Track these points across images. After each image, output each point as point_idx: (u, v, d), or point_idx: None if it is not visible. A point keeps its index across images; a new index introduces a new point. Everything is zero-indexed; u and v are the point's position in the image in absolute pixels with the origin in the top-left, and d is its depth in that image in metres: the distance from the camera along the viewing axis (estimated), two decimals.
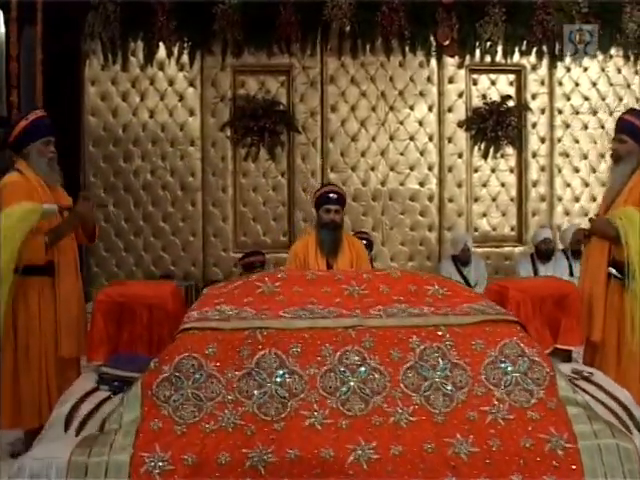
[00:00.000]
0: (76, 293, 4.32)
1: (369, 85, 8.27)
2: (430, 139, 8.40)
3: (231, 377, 3.20)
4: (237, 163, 8.24)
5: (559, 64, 8.45)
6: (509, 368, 3.28)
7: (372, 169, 8.34)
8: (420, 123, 8.37)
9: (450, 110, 8.41)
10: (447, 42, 8.16)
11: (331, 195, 5.21)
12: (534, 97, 8.51)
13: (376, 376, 3.23)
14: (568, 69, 8.50)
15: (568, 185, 8.67)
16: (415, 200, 8.42)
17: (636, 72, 8.62)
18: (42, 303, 4.15)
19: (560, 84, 8.54)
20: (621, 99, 8.65)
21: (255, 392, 3.16)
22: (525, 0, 8.11)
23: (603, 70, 8.58)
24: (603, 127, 8.64)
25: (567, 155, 8.64)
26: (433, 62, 8.32)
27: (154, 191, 8.17)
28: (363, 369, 3.25)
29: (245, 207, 8.31)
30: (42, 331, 4.13)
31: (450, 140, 8.44)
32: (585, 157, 8.67)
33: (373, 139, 8.31)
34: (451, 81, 8.39)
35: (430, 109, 8.39)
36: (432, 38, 8.17)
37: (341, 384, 3.20)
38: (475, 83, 8.49)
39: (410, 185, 8.41)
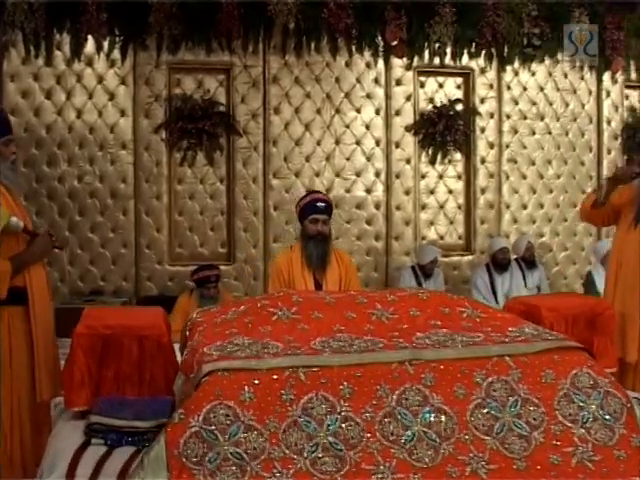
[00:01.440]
0: (51, 324, 3.61)
1: (314, 86, 7.76)
2: (377, 144, 7.97)
3: (274, 428, 2.63)
4: (172, 168, 7.56)
5: (508, 68, 8.18)
6: (584, 402, 2.88)
7: (317, 175, 7.83)
8: (367, 127, 7.93)
9: (398, 114, 8.01)
10: (395, 42, 7.74)
11: (319, 204, 4.69)
12: (482, 101, 8.22)
13: (442, 418, 2.75)
14: (516, 73, 8.26)
15: (516, 192, 8.41)
16: (361, 208, 7.97)
17: (582, 77, 8.46)
18: (13, 338, 3.43)
19: (508, 88, 8.28)
20: (568, 104, 8.47)
21: (306, 445, 2.62)
22: (475, 1, 7.80)
23: (550, 75, 8.38)
24: (550, 132, 8.44)
25: (515, 161, 8.38)
26: (380, 63, 7.89)
27: (81, 199, 7.40)
28: (426, 411, 2.76)
29: (181, 216, 7.65)
30: (14, 371, 3.40)
31: (398, 145, 8.03)
32: (532, 163, 8.43)
33: (318, 143, 7.81)
34: (399, 83, 7.99)
35: (377, 112, 7.96)
36: (380, 38, 7.74)
37: (403, 430, 2.70)
38: (423, 86, 8.12)
39: (356, 192, 7.95)
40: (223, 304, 3.94)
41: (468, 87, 8.20)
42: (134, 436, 3.00)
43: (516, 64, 8.19)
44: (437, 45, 7.85)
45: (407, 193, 8.09)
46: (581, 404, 2.88)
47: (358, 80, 7.87)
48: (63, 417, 3.32)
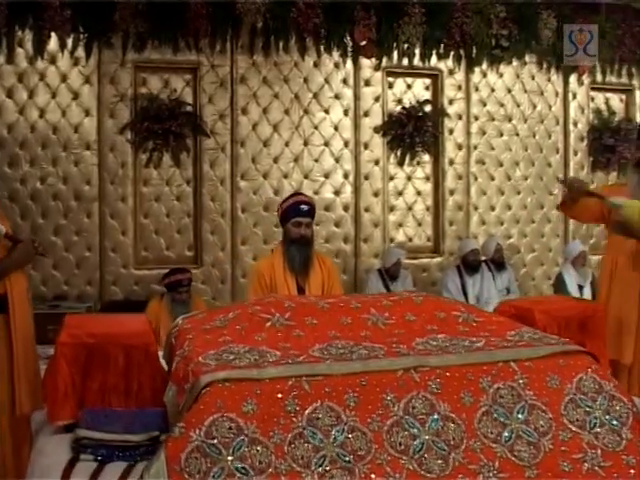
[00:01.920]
0: (31, 333, 3.43)
1: (282, 86, 7.63)
2: (346, 145, 7.88)
3: (279, 440, 2.51)
4: (138, 170, 7.36)
5: (476, 69, 8.16)
6: (590, 407, 2.82)
7: (285, 177, 7.70)
8: (336, 128, 7.83)
9: (366, 114, 7.93)
10: (364, 42, 7.65)
11: (302, 206, 4.56)
12: (451, 102, 8.18)
13: (450, 426, 2.66)
14: (484, 74, 8.24)
15: (484, 193, 8.39)
16: (330, 210, 7.87)
17: (549, 79, 8.48)
18: None
19: (477, 89, 8.26)
20: (535, 106, 8.48)
21: (313, 458, 2.50)
22: (444, 1, 7.75)
23: (518, 76, 8.38)
24: (518, 134, 8.45)
25: (483, 163, 8.37)
26: (349, 63, 7.79)
27: (44, 201, 7.15)
28: (434, 419, 2.67)
29: (147, 219, 7.45)
30: None
31: (366, 146, 7.95)
32: (500, 164, 8.42)
33: (286, 144, 7.68)
34: (367, 84, 7.90)
35: (346, 113, 7.86)
36: (349, 38, 7.64)
37: (412, 439, 2.60)
38: (391, 86, 8.05)
39: (325, 194, 7.84)
40: (210, 310, 3.78)
41: (436, 88, 8.15)
42: (126, 451, 2.85)
43: (484, 65, 8.18)
44: (406, 46, 7.80)
45: (376, 195, 8.01)
46: (587, 409, 2.82)
47: (327, 80, 7.76)
48: (45, 431, 3.15)
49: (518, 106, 8.43)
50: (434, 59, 8.00)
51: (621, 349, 4.06)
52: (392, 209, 8.14)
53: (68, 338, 3.18)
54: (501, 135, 8.40)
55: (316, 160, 7.78)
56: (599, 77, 8.58)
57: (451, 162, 8.23)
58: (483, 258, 7.84)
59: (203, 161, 7.44)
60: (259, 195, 7.59)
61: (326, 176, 7.83)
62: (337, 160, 7.85)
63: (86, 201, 7.24)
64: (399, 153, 8.05)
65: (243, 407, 2.55)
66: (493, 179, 8.42)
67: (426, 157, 8.18)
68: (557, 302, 4.17)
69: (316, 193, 7.78)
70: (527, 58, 8.30)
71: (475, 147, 8.32)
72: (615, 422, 2.79)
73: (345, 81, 7.82)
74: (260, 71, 7.53)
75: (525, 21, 8.03)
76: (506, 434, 2.69)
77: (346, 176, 7.89)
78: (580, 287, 7.57)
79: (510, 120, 8.42)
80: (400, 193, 8.17)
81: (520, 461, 2.63)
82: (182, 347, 3.18)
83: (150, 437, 2.89)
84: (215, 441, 2.46)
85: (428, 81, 8.17)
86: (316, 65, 7.69)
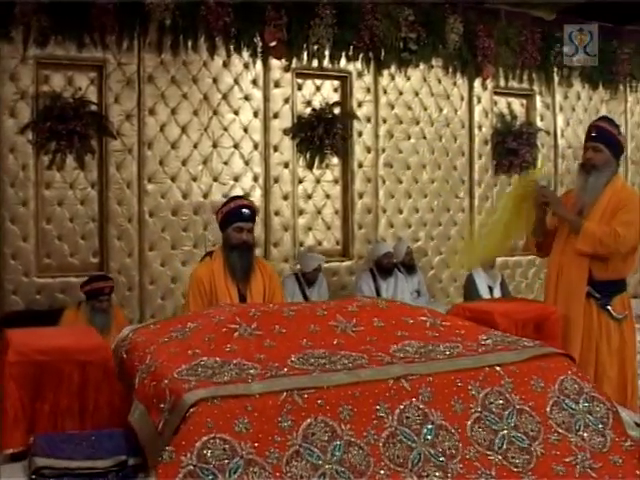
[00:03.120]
0: None
1: (191, 86, 7.38)
2: (255, 147, 7.70)
3: (276, 460, 2.37)
4: (40, 172, 6.92)
5: (385, 72, 8.15)
6: (574, 408, 2.82)
7: (194, 180, 7.45)
8: (245, 130, 7.64)
9: (276, 116, 7.77)
10: (274, 43, 7.53)
11: (244, 211, 4.39)
12: (360, 105, 8.14)
13: (444, 435, 2.60)
14: (393, 77, 8.25)
15: (392, 196, 8.40)
16: None
17: (454, 83, 8.58)
18: None
19: (385, 92, 8.25)
20: (441, 110, 8.56)
21: (312, 477, 2.37)
22: (355, 3, 7.71)
23: (425, 80, 8.43)
24: (425, 137, 8.51)
25: (391, 166, 8.37)
26: (259, 64, 7.62)
27: None
28: (428, 428, 2.59)
29: (49, 224, 7.03)
30: None
31: (276, 149, 7.80)
32: (408, 167, 8.45)
33: (195, 146, 7.43)
34: (277, 85, 7.75)
35: (256, 115, 7.68)
36: (259, 38, 7.49)
37: (409, 451, 2.52)
38: (300, 88, 7.94)
39: None
40: (162, 321, 3.55)
41: (345, 90, 8.10)
42: (92, 479, 2.60)
43: (393, 68, 8.20)
44: (316, 47, 7.71)
45: (285, 198, 7.87)
46: (571, 411, 2.82)
47: (236, 81, 7.57)
48: None
49: (425, 109, 8.48)
50: (343, 61, 7.94)
51: (569, 348, 4.09)
52: (301, 212, 8.03)
53: (16, 356, 2.90)
54: (409, 138, 8.44)
55: (225, 163, 7.57)
56: (502, 82, 8.75)
57: (360, 165, 8.19)
58: (394, 261, 7.82)
59: (109, 163, 7.09)
60: (167, 199, 7.32)
61: (236, 179, 7.63)
62: (247, 163, 7.66)
63: None
64: (308, 156, 7.94)
65: (235, 426, 2.38)
66: (401, 182, 8.44)
67: (335, 160, 8.11)
68: (513, 305, 4.19)
69: (225, 196, 7.53)
70: (434, 62, 8.37)
71: (383, 150, 8.31)
72: (597, 423, 2.81)
73: (255, 82, 7.65)
74: (168, 70, 7.25)
75: (432, 25, 8.10)
76: (498, 441, 2.65)
77: (256, 179, 7.72)
78: (490, 288, 7.66)
79: (417, 123, 8.47)
80: (309, 196, 8.07)
81: (515, 467, 2.60)
82: (143, 362, 2.96)
83: (118, 462, 2.66)
84: (209, 465, 2.29)
85: (337, 83, 8.11)
86: (225, 65, 7.48)
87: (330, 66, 7.89)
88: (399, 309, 3.47)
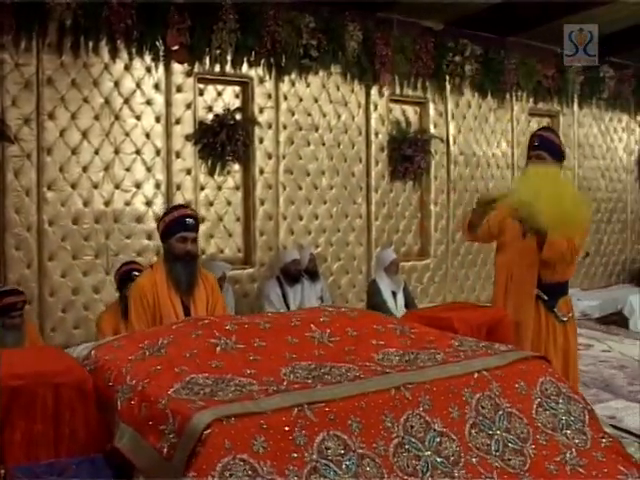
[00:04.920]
0: None
1: (92, 90, 7.09)
2: (158, 153, 7.50)
3: (296, 478, 2.32)
4: None
5: (285, 78, 8.14)
6: (555, 409, 2.95)
7: (95, 187, 7.17)
8: (147, 135, 7.43)
9: (178, 122, 7.60)
10: (176, 47, 7.37)
11: (188, 220, 4.25)
12: (261, 111, 8.08)
13: (446, 442, 2.64)
14: (293, 83, 8.24)
15: (292, 203, 8.39)
16: (142, 222, 7.45)
17: (352, 90, 8.67)
18: None
19: (285, 98, 8.23)
20: (340, 116, 8.63)
21: None
22: (258, 9, 7.66)
23: (324, 87, 8.48)
24: (324, 144, 8.55)
25: (291, 172, 8.36)
26: (161, 68, 7.43)
27: None
28: (431, 436, 2.64)
29: None
30: None
31: (178, 155, 7.62)
32: (308, 174, 8.47)
33: (97, 152, 7.14)
34: (179, 90, 7.57)
35: (158, 120, 7.48)
36: (161, 41, 7.31)
37: (416, 459, 2.57)
38: (202, 93, 7.80)
39: (136, 205, 7.41)
40: (124, 337, 3.39)
41: (247, 96, 8.02)
42: None
43: (293, 75, 8.18)
44: (218, 52, 7.60)
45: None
46: (553, 411, 2.94)
47: (138, 85, 7.34)
48: None
49: (324, 116, 8.52)
50: (245, 66, 7.87)
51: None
52: (203, 220, 7.84)
53: None
54: (308, 145, 8.45)
55: (127, 169, 7.33)
56: (397, 90, 8.91)
57: (261, 171, 8.14)
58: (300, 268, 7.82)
59: (7, 170, 6.71)
60: (68, 207, 7.01)
61: (138, 186, 7.40)
62: (149, 169, 7.45)
63: None
64: (210, 162, 7.82)
65: (253, 445, 2.33)
66: (301, 188, 8.45)
67: (236, 166, 8.02)
68: (466, 310, 4.28)
69: (127, 204, 7.37)
70: (333, 69, 8.42)
71: (284, 156, 8.29)
72: (576, 421, 2.94)
73: (157, 86, 7.44)
74: (69, 73, 6.93)
75: (333, 32, 8.16)
76: (494, 444, 2.73)
77: (158, 186, 7.52)
78: (394, 294, 7.78)
79: (317, 130, 8.49)
80: (211, 203, 7.95)
81: (513, 469, 2.68)
82: (122, 382, 2.83)
83: None
84: None
85: (238, 89, 8.02)
86: (127, 69, 7.24)
87: (232, 71, 7.79)
88: (368, 317, 3.49)
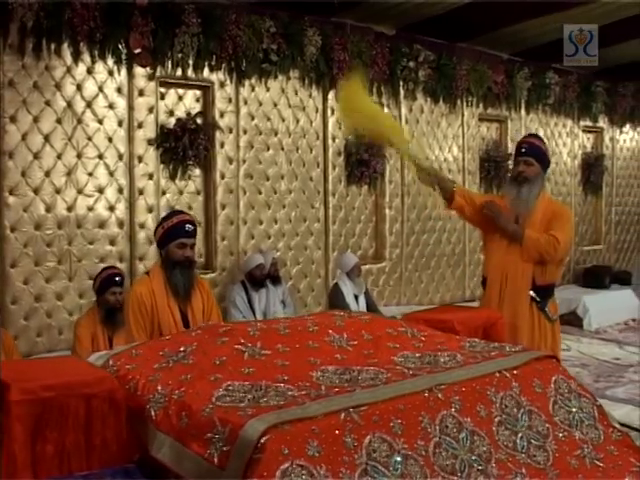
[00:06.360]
0: None
1: (55, 93, 6.98)
2: (120, 158, 7.42)
3: None
4: None
5: (246, 82, 8.15)
6: (569, 406, 3.09)
7: (58, 192, 7.05)
8: (110, 139, 7.34)
9: (140, 126, 7.54)
10: (139, 50, 7.31)
11: (187, 226, 4.25)
12: (222, 115, 8.07)
13: (477, 440, 2.74)
14: (253, 88, 8.26)
15: (252, 207, 8.41)
16: (104, 227, 7.36)
17: (310, 95, 8.73)
18: None
19: (246, 103, 8.24)
20: (298, 121, 8.68)
21: None
22: (220, 13, 7.66)
23: (283, 91, 8.52)
24: (283, 148, 8.59)
25: (251, 176, 8.37)
26: (124, 71, 7.36)
27: None
28: (464, 435, 2.72)
29: None
30: None
31: (141, 159, 7.56)
32: (267, 178, 8.50)
33: (59, 157, 7.03)
34: (141, 94, 7.51)
35: (120, 124, 7.41)
36: (124, 44, 7.24)
37: (453, 458, 2.66)
38: (163, 97, 7.75)
39: (99, 210, 7.32)
40: (140, 345, 3.36)
41: (207, 100, 8.01)
42: None
43: (253, 79, 8.20)
44: (180, 56, 7.57)
45: (150, 211, 7.65)
46: (567, 408, 3.06)
47: (100, 89, 7.25)
48: None
49: (283, 120, 8.56)
50: (206, 71, 7.85)
51: None
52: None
53: (21, 395, 2.65)
54: (268, 149, 8.48)
55: (90, 174, 7.23)
56: None
57: (222, 176, 8.13)
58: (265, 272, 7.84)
59: None
60: (30, 212, 6.87)
61: (100, 191, 7.31)
62: (112, 174, 7.37)
63: None
64: (171, 167, 7.78)
65: (308, 450, 2.37)
66: (260, 193, 8.47)
67: (197, 171, 8.01)
68: (465, 312, 4.38)
69: (90, 209, 7.27)
70: (291, 73, 8.47)
71: (244, 161, 8.30)
72: (589, 418, 3.06)
73: (119, 90, 7.37)
74: (31, 75, 6.80)
75: (292, 37, 8.21)
76: (519, 441, 2.84)
77: (121, 191, 7.44)
78: (356, 297, 7.88)
79: (276, 134, 8.53)
80: (172, 208, 7.87)
81: (539, 465, 2.79)
82: (153, 391, 2.83)
83: None
84: None
85: (199, 93, 8.00)
86: (90, 72, 7.15)
87: (193, 75, 7.77)
88: (379, 322, 3.56)
